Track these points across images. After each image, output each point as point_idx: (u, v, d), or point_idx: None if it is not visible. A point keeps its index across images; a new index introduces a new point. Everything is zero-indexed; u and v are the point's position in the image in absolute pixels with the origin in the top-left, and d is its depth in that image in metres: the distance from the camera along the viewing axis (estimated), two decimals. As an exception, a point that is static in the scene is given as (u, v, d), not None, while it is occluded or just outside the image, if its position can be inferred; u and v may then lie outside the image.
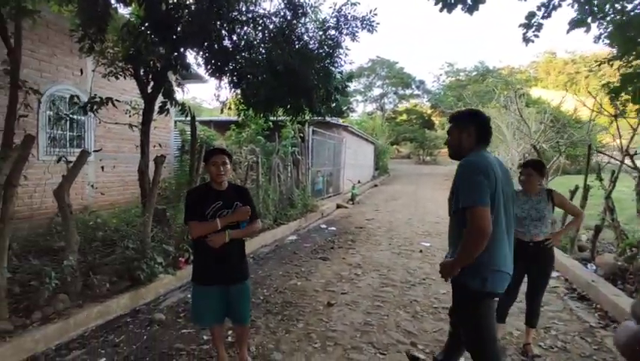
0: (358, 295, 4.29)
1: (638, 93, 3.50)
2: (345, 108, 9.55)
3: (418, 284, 4.72)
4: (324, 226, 8.64)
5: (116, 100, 4.17)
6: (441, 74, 42.65)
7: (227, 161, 2.53)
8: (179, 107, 4.48)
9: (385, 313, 3.79)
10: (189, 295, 4.10)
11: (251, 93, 5.08)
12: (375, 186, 20.22)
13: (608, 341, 3.39)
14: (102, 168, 5.06)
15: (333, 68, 5.25)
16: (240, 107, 5.71)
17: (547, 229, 3.02)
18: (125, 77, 4.81)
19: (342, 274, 5.01)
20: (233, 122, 9.67)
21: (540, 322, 3.75)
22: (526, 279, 3.16)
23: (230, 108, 5.52)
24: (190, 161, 5.01)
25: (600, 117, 8.35)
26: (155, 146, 5.28)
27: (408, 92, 42.39)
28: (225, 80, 4.95)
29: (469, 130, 2.08)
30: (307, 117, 5.66)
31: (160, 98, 4.57)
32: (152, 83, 4.42)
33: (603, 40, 5.69)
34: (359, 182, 15.91)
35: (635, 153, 5.26)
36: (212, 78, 4.77)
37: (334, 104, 5.39)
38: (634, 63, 4.69)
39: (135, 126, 4.71)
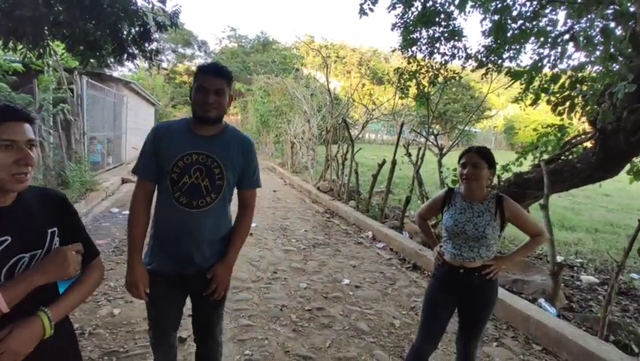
0: (212, 313, 3.20)
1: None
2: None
3: (274, 281, 3.99)
4: (115, 210, 6.60)
5: None
6: (223, 38, 41.16)
7: (32, 132, 1.04)
8: None
9: (262, 336, 2.90)
10: None
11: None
12: (160, 154, 17.77)
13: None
14: None
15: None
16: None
17: (490, 253, 2.03)
18: None
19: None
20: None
21: (405, 302, 3.76)
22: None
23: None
24: None
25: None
26: None
27: (189, 51, 38.91)
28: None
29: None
30: (110, 60, 3.78)
31: None
32: None
33: (397, 29, 6.26)
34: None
35: (438, 133, 6.04)
36: None
37: (152, 46, 3.78)
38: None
39: None
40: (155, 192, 1.76)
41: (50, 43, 3.71)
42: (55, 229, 1.11)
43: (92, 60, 3.60)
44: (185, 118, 1.78)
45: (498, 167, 4.75)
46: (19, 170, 0.99)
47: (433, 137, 5.81)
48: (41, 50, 3.30)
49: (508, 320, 3.36)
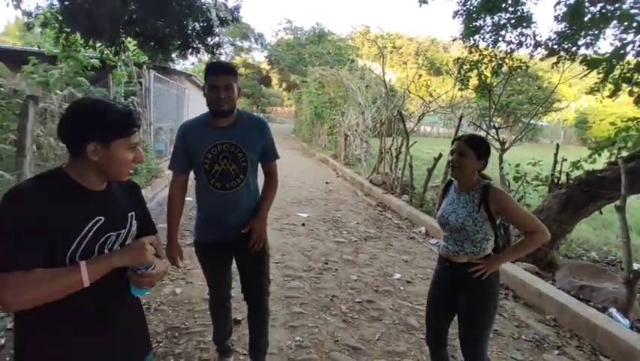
0: (265, 298, 3.33)
1: None
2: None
3: (325, 271, 4.05)
4: (177, 197, 7.05)
5: None
6: (279, 30, 41.91)
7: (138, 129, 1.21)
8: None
9: (313, 324, 2.97)
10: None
11: (81, 6, 3.21)
12: (218, 144, 18.57)
13: (518, 311, 3.45)
14: None
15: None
16: (58, 28, 3.65)
17: (476, 249, 1.90)
18: None
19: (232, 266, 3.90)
20: (35, 53, 6.77)
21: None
22: None
23: (44, 26, 3.43)
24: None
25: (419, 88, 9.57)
26: None
27: (246, 44, 40.16)
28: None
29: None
30: (175, 54, 4.02)
31: None
32: None
33: (459, 17, 5.95)
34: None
35: (500, 127, 5.72)
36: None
37: (215, 40, 3.95)
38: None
39: None
40: (194, 180, 2.09)
41: (124, 40, 3.99)
42: (133, 213, 1.25)
43: (160, 53, 3.84)
44: (205, 113, 2.05)
45: (567, 163, 4.47)
46: (134, 166, 1.21)
47: (494, 130, 5.51)
48: (118, 47, 3.58)
49: (573, 328, 3.14)
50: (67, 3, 3.45)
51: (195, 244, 2.20)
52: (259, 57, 43.37)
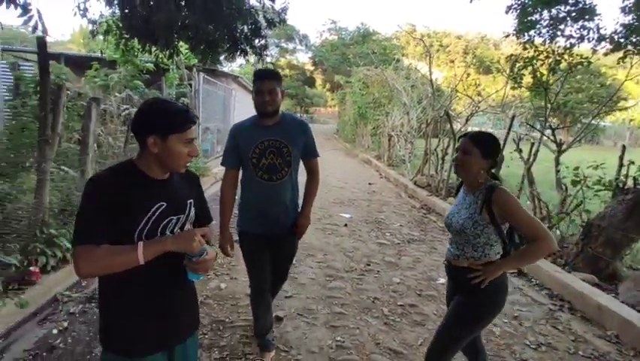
0: (307, 297, 3.34)
1: None
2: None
3: (367, 273, 4.00)
4: (223, 195, 7.29)
5: None
6: (324, 31, 42.17)
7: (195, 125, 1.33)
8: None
9: (354, 325, 2.95)
10: (54, 331, 2.60)
11: (140, 13, 3.40)
12: (263, 144, 18.98)
13: (574, 324, 3.22)
14: None
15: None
16: (118, 34, 3.90)
17: (477, 254, 1.79)
18: None
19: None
20: (97, 59, 7.27)
21: (507, 310, 3.47)
22: None
23: (107, 33, 3.68)
24: (40, 108, 3.14)
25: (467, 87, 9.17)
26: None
27: (291, 45, 40.85)
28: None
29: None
30: (223, 57, 4.16)
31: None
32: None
33: (513, 11, 5.64)
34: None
35: (557, 127, 5.38)
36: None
37: (262, 42, 4.03)
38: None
39: None
40: (241, 175, 2.28)
41: (177, 43, 4.18)
42: (192, 200, 1.39)
43: (210, 56, 3.99)
44: (254, 115, 2.26)
45: (634, 168, 4.10)
46: (190, 159, 1.31)
47: (549, 131, 5.18)
48: (172, 51, 3.77)
49: (637, 346, 2.88)
50: (127, 10, 3.65)
51: (240, 235, 2.35)
52: (303, 58, 43.94)
